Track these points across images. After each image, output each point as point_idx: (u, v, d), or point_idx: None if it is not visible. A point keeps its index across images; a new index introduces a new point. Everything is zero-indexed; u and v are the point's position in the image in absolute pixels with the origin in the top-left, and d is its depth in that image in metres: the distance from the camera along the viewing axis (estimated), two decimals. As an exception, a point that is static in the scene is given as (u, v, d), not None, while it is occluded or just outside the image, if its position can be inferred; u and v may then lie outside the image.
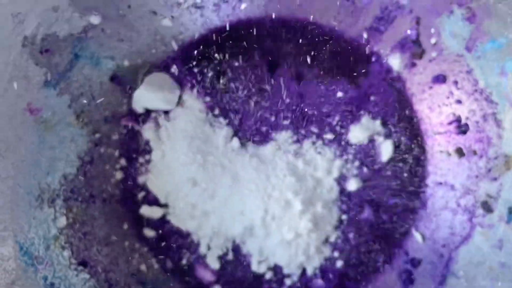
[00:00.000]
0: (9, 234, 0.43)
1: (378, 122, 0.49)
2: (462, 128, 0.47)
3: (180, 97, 0.50)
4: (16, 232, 0.44)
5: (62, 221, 0.46)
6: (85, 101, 0.48)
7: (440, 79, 0.47)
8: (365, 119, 0.50)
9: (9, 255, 0.43)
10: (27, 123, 0.45)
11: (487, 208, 0.45)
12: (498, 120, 0.44)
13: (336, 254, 0.50)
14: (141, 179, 0.51)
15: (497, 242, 0.43)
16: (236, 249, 0.51)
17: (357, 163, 0.50)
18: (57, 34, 0.44)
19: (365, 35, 0.48)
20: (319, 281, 0.50)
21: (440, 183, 0.48)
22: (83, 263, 0.47)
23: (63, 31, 0.44)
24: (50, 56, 0.44)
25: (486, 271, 0.43)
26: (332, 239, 0.50)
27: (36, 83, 0.44)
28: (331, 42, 0.49)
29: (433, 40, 0.46)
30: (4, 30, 0.42)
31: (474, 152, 0.46)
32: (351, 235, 0.50)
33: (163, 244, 0.51)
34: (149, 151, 0.51)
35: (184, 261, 0.51)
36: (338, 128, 0.50)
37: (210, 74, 0.50)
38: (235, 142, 0.50)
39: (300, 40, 0.49)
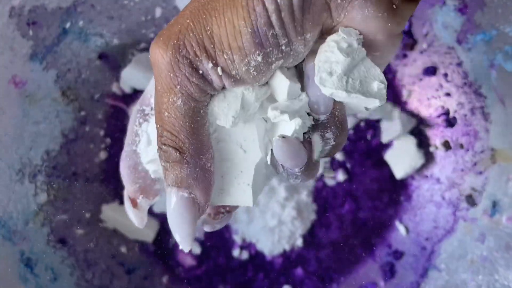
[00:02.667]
0: (-13, 207, 0.43)
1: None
2: (450, 121, 0.47)
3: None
4: (-5, 206, 0.43)
5: (43, 197, 0.46)
6: (71, 78, 0.47)
7: (430, 71, 0.47)
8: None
9: (-13, 228, 0.42)
10: (11, 96, 0.44)
11: (471, 201, 0.44)
12: (486, 114, 0.44)
13: (318, 243, 0.49)
14: (125, 160, 0.50)
15: (479, 235, 0.43)
16: (218, 234, 0.50)
17: (344, 152, 0.49)
18: (45, 7, 0.43)
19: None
20: (300, 270, 0.49)
21: (426, 176, 0.48)
22: (62, 241, 0.46)
23: (51, 3, 0.44)
24: (37, 29, 0.44)
25: (467, 265, 0.43)
26: (316, 228, 0.49)
27: (22, 56, 0.44)
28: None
29: (424, 31, 0.46)
30: (-9, -1, 0.41)
31: (461, 146, 0.46)
32: (334, 225, 0.49)
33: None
34: (135, 132, 0.50)
35: (165, 244, 0.50)
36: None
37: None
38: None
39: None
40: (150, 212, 0.50)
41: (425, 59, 0.47)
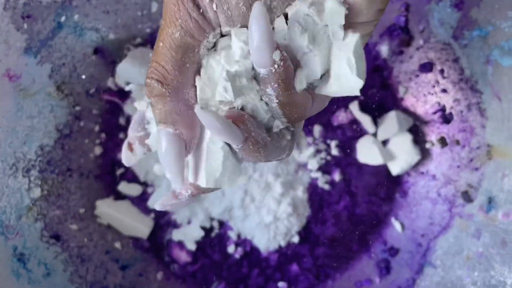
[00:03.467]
0: (-20, 202, 0.42)
1: (362, 109, 0.49)
2: (446, 118, 0.46)
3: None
4: (-12, 200, 0.43)
5: (37, 192, 0.45)
6: (66, 72, 0.47)
7: (426, 67, 0.47)
8: (352, 105, 0.49)
9: (-21, 223, 0.42)
10: (5, 89, 0.44)
11: (467, 198, 0.44)
12: (482, 110, 0.44)
13: (314, 240, 0.49)
14: (120, 156, 0.50)
15: (475, 231, 0.43)
16: (213, 230, 0.50)
17: (340, 148, 0.49)
18: (40, 0, 0.43)
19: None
20: (295, 266, 0.49)
21: (422, 173, 0.48)
22: (56, 237, 0.46)
23: (46, -3, 0.43)
24: (32, 22, 0.43)
25: (463, 261, 0.43)
26: (311, 224, 0.49)
27: (16, 49, 0.43)
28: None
29: (421, 28, 0.46)
30: (-15, -8, 0.41)
31: (457, 142, 0.46)
32: (330, 222, 0.49)
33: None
34: (130, 127, 0.50)
35: (160, 240, 0.50)
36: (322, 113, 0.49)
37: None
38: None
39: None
40: (145, 208, 0.50)
41: (421, 55, 0.47)
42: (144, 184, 0.50)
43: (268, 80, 0.25)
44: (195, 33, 0.25)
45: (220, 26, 0.25)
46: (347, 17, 0.24)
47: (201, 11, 0.24)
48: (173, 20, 0.24)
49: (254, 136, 0.25)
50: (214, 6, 0.24)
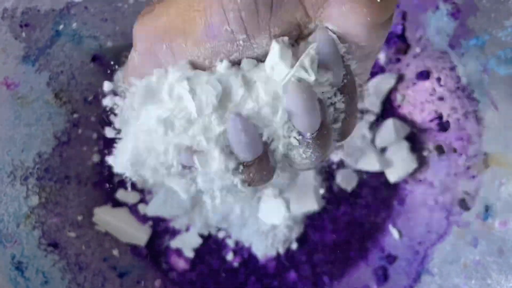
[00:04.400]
0: (-22, 210, 0.42)
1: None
2: (443, 126, 0.47)
3: (162, 82, 0.50)
4: (-14, 208, 0.43)
5: (34, 200, 0.45)
6: (64, 80, 0.47)
7: (423, 75, 0.47)
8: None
9: (-23, 231, 0.42)
10: (2, 97, 0.44)
11: (464, 206, 0.44)
12: (479, 118, 0.44)
13: (312, 247, 0.49)
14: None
15: (472, 240, 0.43)
16: (211, 238, 0.50)
17: (339, 156, 0.49)
18: (38, 9, 0.43)
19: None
20: (293, 274, 0.49)
21: (419, 180, 0.48)
22: (54, 244, 0.46)
23: (44, 5, 0.43)
24: (30, 31, 0.43)
25: (460, 269, 0.43)
26: (309, 232, 0.49)
27: (14, 58, 0.43)
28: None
29: (418, 36, 0.46)
30: (-17, 1, 0.41)
31: (454, 150, 0.46)
32: (328, 229, 0.49)
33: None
34: (128, 135, 0.50)
35: (158, 248, 0.50)
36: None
37: (193, 60, 0.49)
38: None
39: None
40: (143, 216, 0.50)
41: (418, 63, 0.47)
42: (142, 192, 0.50)
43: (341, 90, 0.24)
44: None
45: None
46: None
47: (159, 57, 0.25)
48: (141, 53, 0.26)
49: (327, 119, 0.23)
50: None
